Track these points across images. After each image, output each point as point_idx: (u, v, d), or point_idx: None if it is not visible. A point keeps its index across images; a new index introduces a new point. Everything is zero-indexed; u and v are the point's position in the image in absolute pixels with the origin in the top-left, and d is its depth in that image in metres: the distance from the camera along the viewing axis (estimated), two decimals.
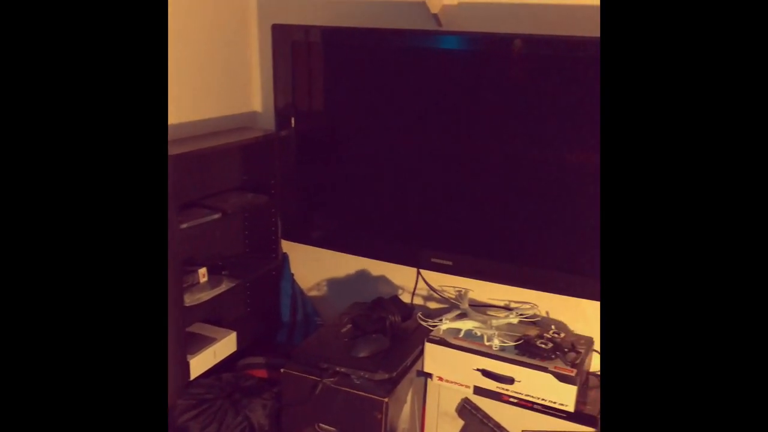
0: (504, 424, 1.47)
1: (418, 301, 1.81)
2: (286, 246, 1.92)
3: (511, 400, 1.43)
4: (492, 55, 1.42)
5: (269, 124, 1.83)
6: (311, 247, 1.80)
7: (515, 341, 1.46)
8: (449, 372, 1.49)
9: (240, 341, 1.71)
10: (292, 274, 1.93)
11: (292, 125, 1.66)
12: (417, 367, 1.54)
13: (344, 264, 1.91)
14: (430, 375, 1.52)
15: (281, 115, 1.67)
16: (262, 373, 1.75)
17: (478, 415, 1.49)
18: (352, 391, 1.43)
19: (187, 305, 1.52)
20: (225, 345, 1.66)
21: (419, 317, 1.58)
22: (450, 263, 1.56)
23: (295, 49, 1.60)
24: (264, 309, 1.92)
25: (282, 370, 1.51)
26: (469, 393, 1.48)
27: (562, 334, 1.50)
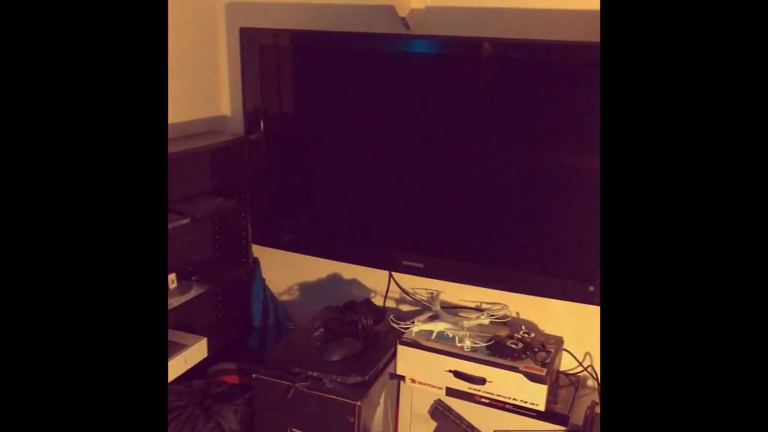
0: (476, 424, 1.48)
1: (390, 303, 1.81)
2: (257, 250, 1.91)
3: (483, 400, 1.44)
4: (459, 58, 1.43)
5: (238, 128, 1.82)
6: (282, 251, 1.79)
7: (486, 342, 1.47)
8: (422, 374, 1.49)
9: (211, 347, 1.69)
10: (264, 279, 1.92)
11: (262, 129, 1.65)
12: (390, 369, 1.54)
13: (316, 268, 1.90)
14: (402, 377, 1.52)
15: (250, 119, 1.66)
16: (233, 379, 1.74)
17: (451, 416, 1.50)
18: (324, 395, 1.43)
19: None
20: (196, 351, 1.64)
21: (391, 320, 1.58)
22: (421, 266, 1.56)
23: (263, 53, 1.59)
24: (235, 314, 1.91)
25: (254, 375, 1.50)
26: (442, 394, 1.49)
27: (532, 334, 1.52)
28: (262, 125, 1.65)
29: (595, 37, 1.38)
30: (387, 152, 1.55)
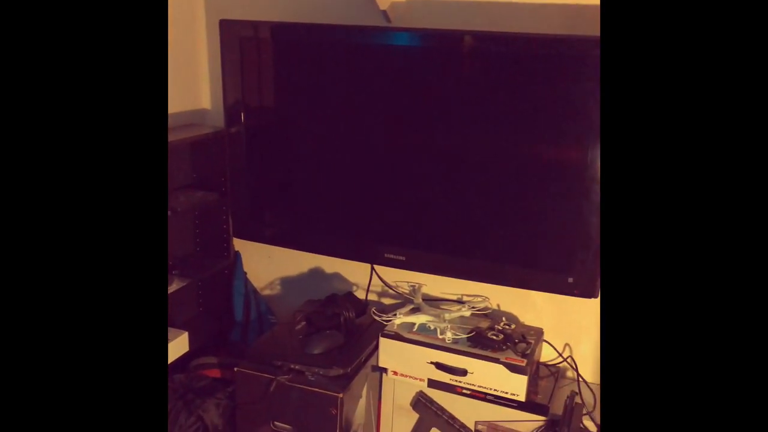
0: (458, 415, 1.49)
1: (372, 297, 1.82)
2: (238, 244, 1.90)
3: (465, 391, 1.45)
4: (439, 51, 1.43)
5: (219, 121, 1.81)
6: (264, 244, 1.78)
7: (467, 334, 1.48)
8: (404, 366, 1.50)
9: (192, 341, 1.68)
10: (245, 273, 1.91)
11: (242, 122, 1.64)
12: (372, 362, 1.55)
13: (298, 261, 1.90)
14: (384, 369, 1.53)
15: (231, 112, 1.65)
16: (215, 373, 1.73)
17: (433, 407, 1.51)
18: (306, 387, 1.43)
19: None
20: (177, 345, 1.63)
21: (373, 312, 1.58)
22: (403, 258, 1.57)
23: (243, 45, 1.58)
24: (217, 308, 1.90)
25: (236, 369, 1.50)
26: (424, 386, 1.49)
27: (513, 326, 1.53)
28: (242, 118, 1.64)
29: (577, 30, 1.39)
30: (368, 145, 1.55)
